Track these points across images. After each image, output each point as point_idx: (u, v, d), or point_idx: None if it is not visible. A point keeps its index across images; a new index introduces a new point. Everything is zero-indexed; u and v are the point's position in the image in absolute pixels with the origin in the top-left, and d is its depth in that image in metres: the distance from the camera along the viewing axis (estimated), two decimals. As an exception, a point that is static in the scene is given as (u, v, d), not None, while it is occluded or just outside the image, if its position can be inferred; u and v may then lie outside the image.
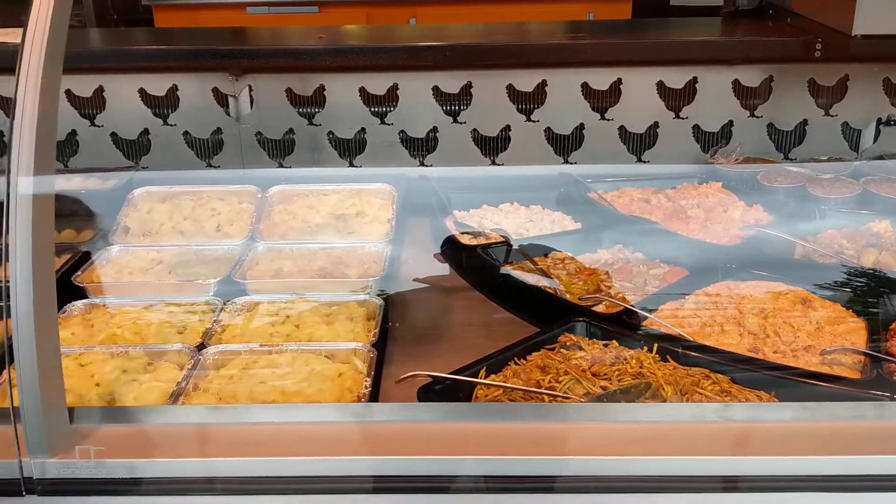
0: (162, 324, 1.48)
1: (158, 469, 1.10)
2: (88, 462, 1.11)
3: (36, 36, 1.23)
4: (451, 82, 2.13)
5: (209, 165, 2.21)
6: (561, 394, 1.27)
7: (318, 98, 2.14)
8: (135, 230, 1.80)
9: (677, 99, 2.15)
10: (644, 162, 2.18)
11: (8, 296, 1.09)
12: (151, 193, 1.91)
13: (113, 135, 2.18)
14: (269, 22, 3.54)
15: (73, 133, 2.17)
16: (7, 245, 1.10)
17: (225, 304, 1.54)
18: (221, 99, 2.15)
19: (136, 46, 2.16)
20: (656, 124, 2.17)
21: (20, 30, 2.14)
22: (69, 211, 1.83)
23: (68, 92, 2.13)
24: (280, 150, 2.19)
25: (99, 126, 2.17)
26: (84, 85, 2.13)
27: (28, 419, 1.10)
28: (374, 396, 1.28)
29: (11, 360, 1.37)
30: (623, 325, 1.45)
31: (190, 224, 1.81)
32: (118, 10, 3.89)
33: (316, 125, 2.16)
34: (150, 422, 1.16)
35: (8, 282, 1.10)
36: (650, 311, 1.48)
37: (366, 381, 1.30)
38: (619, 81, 2.13)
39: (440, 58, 2.09)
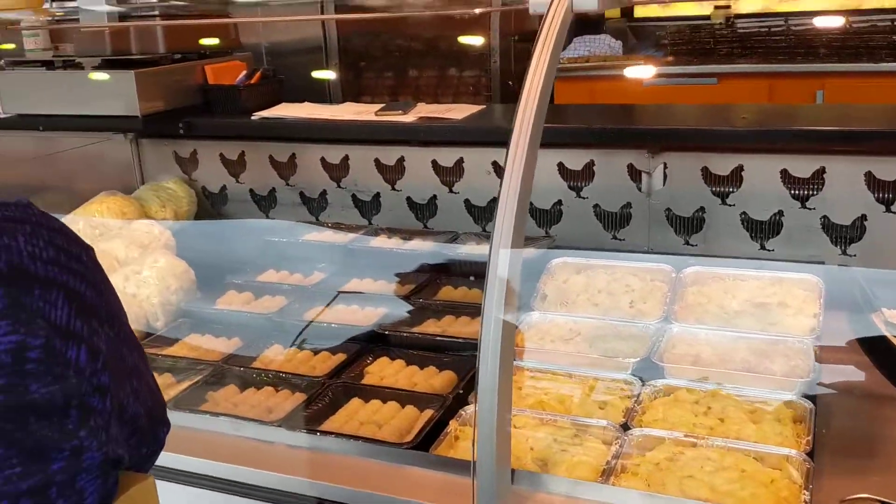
0: (585, 396, 1.54)
1: (597, 548, 1.14)
2: (532, 526, 1.18)
3: (525, 119, 1.35)
4: (888, 168, 1.96)
5: (614, 238, 2.28)
6: None
7: (735, 178, 2.10)
8: (552, 298, 1.91)
9: None
10: None
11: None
12: (568, 264, 2.01)
13: (530, 205, 2.35)
14: (667, 94, 3.59)
15: (492, 200, 2.37)
16: (484, 308, 1.22)
17: (643, 383, 1.56)
18: (635, 175, 2.21)
19: (558, 125, 2.31)
20: None
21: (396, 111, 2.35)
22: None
23: (495, 164, 2.34)
24: (688, 227, 2.19)
25: (518, 195, 2.34)
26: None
27: (482, 474, 1.21)
28: (811, 512, 1.20)
29: (457, 409, 1.52)
30: None
31: (604, 297, 1.87)
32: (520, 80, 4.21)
33: (729, 205, 2.12)
34: (587, 497, 1.21)
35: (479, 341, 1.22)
36: None
37: (803, 493, 1.22)
38: None
39: (875, 143, 1.95)
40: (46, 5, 2.44)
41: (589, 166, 2.26)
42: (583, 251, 2.07)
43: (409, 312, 1.93)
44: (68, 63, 2.53)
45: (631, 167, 2.20)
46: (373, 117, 2.48)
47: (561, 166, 2.29)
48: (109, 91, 2.47)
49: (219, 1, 2.71)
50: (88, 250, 0.80)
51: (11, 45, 2.74)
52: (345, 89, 4.28)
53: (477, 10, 1.32)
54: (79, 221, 2.35)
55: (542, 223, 2.36)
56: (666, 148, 2.15)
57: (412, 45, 4.32)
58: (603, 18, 4.25)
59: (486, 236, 2.33)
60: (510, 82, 3.99)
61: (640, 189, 2.21)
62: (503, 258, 1.26)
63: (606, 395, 1.54)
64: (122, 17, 2.47)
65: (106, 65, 2.49)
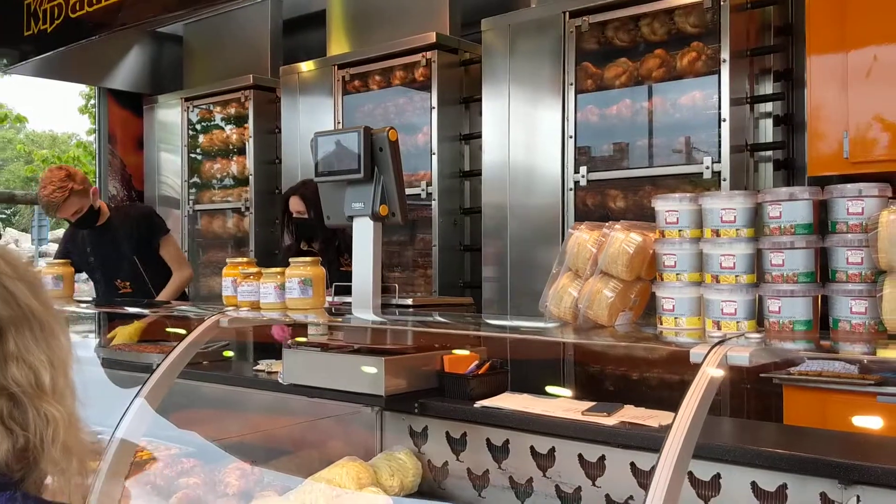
0: None
1: None
2: None
3: (667, 459, 1.56)
4: None
5: (810, 567, 2.24)
6: None
7: (936, 523, 2.04)
8: None
9: None
10: None
11: None
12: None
13: (722, 518, 2.40)
14: (901, 413, 3.46)
15: (689, 510, 2.45)
16: None
17: None
18: (827, 502, 2.21)
19: (754, 447, 2.41)
20: None
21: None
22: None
23: (690, 474, 2.45)
24: (888, 568, 2.11)
25: (711, 508, 2.42)
26: (702, 470, 2.44)
27: None
28: None
29: None
30: None
31: None
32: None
33: (932, 551, 2.05)
34: None
35: None
36: None
37: None
38: None
39: None
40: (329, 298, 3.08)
41: (782, 489, 2.30)
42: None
43: None
44: (336, 348, 3.12)
45: (823, 496, 2.22)
46: (579, 416, 2.74)
47: (754, 485, 2.35)
48: (363, 372, 3.00)
49: (474, 322, 3.21)
50: None
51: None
52: (576, 382, 4.57)
53: (693, 358, 1.62)
54: (321, 484, 2.78)
55: (746, 539, 2.39)
56: (859, 481, 2.16)
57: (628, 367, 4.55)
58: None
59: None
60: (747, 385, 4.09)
61: (833, 519, 2.20)
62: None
63: None
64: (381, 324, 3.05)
65: (364, 352, 3.04)
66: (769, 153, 4.43)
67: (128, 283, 4.89)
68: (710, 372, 1.61)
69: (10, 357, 1.07)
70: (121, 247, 4.85)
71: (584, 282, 1.96)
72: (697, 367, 1.69)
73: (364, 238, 3.04)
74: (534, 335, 2.67)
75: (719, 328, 1.82)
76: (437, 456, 3.08)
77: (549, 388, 3.04)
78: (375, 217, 2.99)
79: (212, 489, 3.07)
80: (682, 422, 1.54)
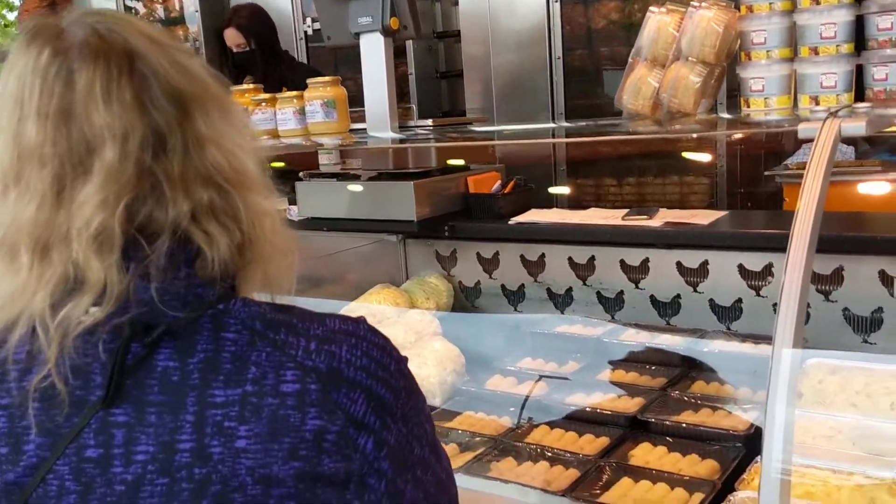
0: (852, 491, 1.61)
1: None
2: None
3: (802, 230, 1.52)
4: None
5: (865, 342, 2.31)
6: None
7: None
8: (808, 397, 1.98)
9: None
10: None
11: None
12: (822, 364, 2.08)
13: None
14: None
15: (737, 300, 2.49)
16: (767, 405, 1.37)
17: (913, 484, 1.61)
18: (886, 280, 2.25)
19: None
20: None
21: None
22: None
23: (741, 266, 2.47)
24: (946, 334, 2.19)
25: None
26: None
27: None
28: None
29: (724, 496, 1.65)
30: None
31: (863, 399, 1.92)
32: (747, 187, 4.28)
33: None
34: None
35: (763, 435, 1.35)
36: None
37: None
38: None
39: None
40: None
41: (838, 271, 2.33)
42: (837, 352, 2.13)
43: (665, 403, 2.07)
44: (355, 175, 2.98)
45: (882, 273, 2.26)
46: (620, 221, 2.70)
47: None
48: (390, 198, 2.88)
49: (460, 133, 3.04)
50: (400, 362, 1.00)
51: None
52: (572, 197, 4.53)
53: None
54: (361, 309, 2.72)
55: (788, 325, 2.43)
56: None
57: (634, 157, 4.53)
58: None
59: (732, 335, 2.45)
60: (741, 189, 4.11)
61: (892, 294, 2.25)
62: (786, 358, 1.40)
63: (875, 493, 1.60)
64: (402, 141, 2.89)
65: (387, 177, 2.91)
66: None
67: None
68: (829, 146, 1.54)
69: (203, 140, 0.90)
70: None
71: (665, 69, 1.85)
72: (778, 144, 1.61)
73: (375, 56, 2.81)
74: (622, 135, 2.55)
75: (817, 103, 1.75)
76: (469, 277, 3.03)
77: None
78: (386, 32, 2.76)
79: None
80: (808, 203, 1.47)
